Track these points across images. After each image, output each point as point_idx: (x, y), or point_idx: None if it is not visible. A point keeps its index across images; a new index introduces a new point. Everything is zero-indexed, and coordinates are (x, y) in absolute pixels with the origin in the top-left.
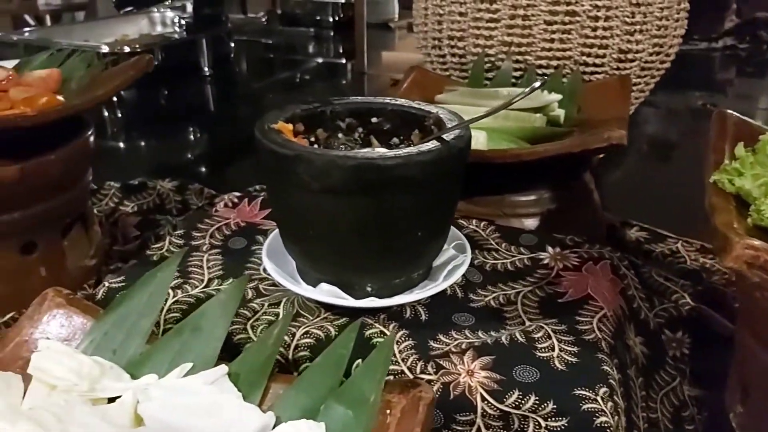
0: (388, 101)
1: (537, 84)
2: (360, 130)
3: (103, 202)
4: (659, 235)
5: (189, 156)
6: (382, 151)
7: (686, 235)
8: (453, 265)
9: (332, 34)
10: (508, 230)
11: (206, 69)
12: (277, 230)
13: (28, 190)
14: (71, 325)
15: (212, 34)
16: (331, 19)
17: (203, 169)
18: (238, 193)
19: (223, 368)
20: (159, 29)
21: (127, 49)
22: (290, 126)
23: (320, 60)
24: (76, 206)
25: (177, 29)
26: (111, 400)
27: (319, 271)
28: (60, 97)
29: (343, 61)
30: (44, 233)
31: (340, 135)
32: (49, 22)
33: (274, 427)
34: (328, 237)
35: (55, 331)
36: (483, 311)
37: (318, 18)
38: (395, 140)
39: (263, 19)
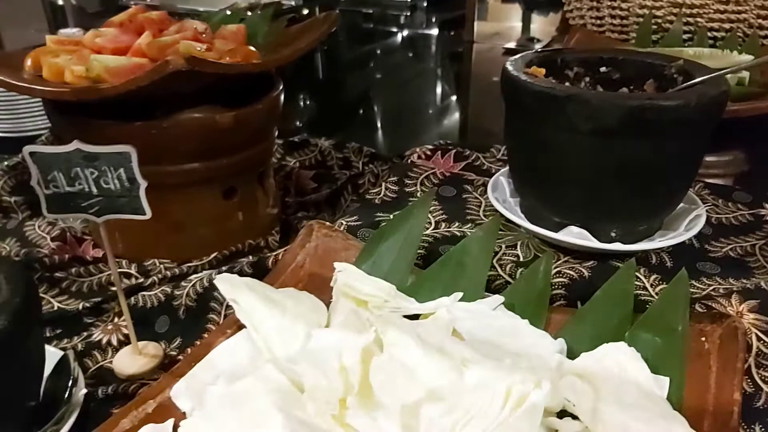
0: (619, 50)
1: None
2: (587, 79)
3: None
4: None
5: (313, 118)
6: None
7: None
8: (695, 215)
9: (425, 4)
10: (718, 187)
11: None
12: (496, 179)
13: (236, 137)
14: (337, 254)
15: (325, 2)
16: None
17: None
18: (430, 146)
19: (500, 298)
20: None
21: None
22: (542, 70)
23: (419, 31)
24: (267, 157)
25: None
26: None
27: (562, 215)
28: (253, 49)
29: (434, 31)
30: (242, 180)
31: (566, 83)
32: None
33: (569, 353)
34: (585, 181)
35: (325, 259)
36: (725, 261)
37: None
38: (624, 90)
39: None
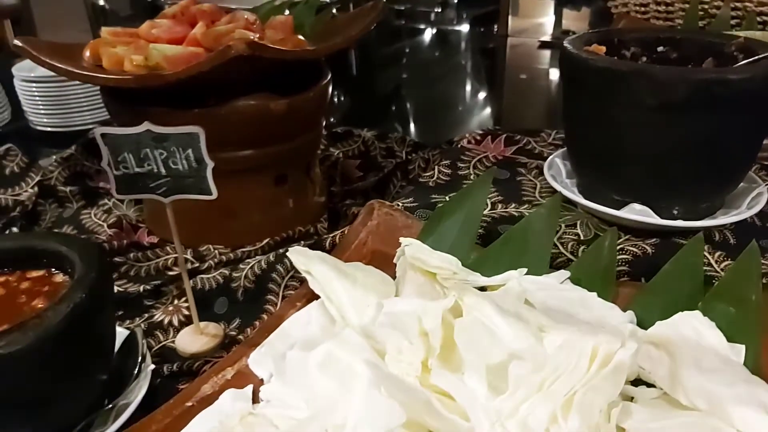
0: (676, 30)
1: None
2: (644, 59)
3: None
4: None
5: (349, 112)
6: None
7: None
8: (756, 193)
9: (456, 1)
10: None
11: None
12: (551, 160)
13: (289, 124)
14: (398, 232)
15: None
16: None
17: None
18: (479, 131)
19: (566, 272)
20: None
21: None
22: (603, 48)
23: (450, 27)
24: (315, 145)
25: None
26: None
27: (623, 193)
28: (302, 38)
29: (465, 27)
30: (293, 167)
31: None
32: None
33: (638, 326)
34: (649, 157)
35: (387, 236)
36: None
37: None
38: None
39: None
